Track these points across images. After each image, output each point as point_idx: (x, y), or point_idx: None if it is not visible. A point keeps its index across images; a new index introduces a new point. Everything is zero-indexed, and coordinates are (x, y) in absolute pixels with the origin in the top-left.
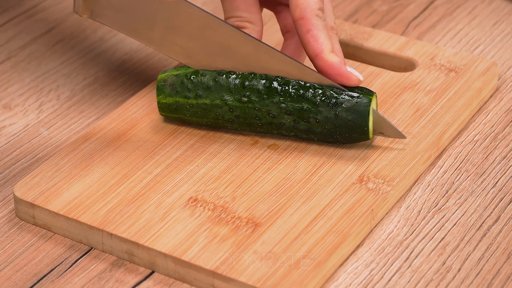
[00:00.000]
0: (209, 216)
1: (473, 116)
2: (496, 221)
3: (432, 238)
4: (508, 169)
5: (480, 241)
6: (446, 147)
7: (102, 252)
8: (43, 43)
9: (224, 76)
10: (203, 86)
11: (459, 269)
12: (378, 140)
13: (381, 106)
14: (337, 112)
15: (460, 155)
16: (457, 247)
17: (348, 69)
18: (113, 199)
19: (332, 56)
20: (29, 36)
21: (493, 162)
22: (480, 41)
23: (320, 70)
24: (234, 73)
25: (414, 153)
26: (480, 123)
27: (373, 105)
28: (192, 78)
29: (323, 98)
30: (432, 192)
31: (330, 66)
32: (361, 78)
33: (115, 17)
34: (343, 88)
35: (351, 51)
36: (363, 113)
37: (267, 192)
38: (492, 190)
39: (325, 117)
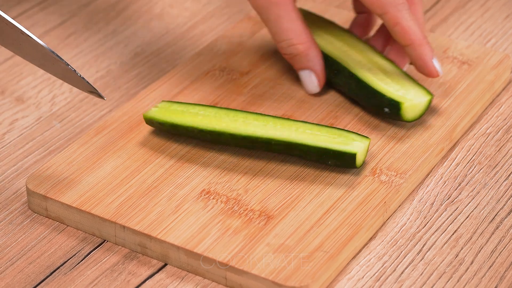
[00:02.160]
0: (222, 208)
1: (486, 108)
2: (509, 213)
3: (445, 230)
4: None
5: (492, 233)
6: (458, 139)
7: (114, 245)
8: (56, 36)
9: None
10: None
11: (472, 262)
12: (391, 132)
13: None
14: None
15: (472, 147)
16: (470, 239)
17: (434, 62)
18: (126, 192)
19: (425, 49)
20: (42, 29)
21: (505, 154)
22: (493, 34)
23: (410, 57)
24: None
25: (426, 146)
26: (493, 116)
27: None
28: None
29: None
30: (445, 184)
31: (420, 57)
32: (441, 73)
33: None
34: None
35: None
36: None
37: (280, 185)
38: (505, 183)
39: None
